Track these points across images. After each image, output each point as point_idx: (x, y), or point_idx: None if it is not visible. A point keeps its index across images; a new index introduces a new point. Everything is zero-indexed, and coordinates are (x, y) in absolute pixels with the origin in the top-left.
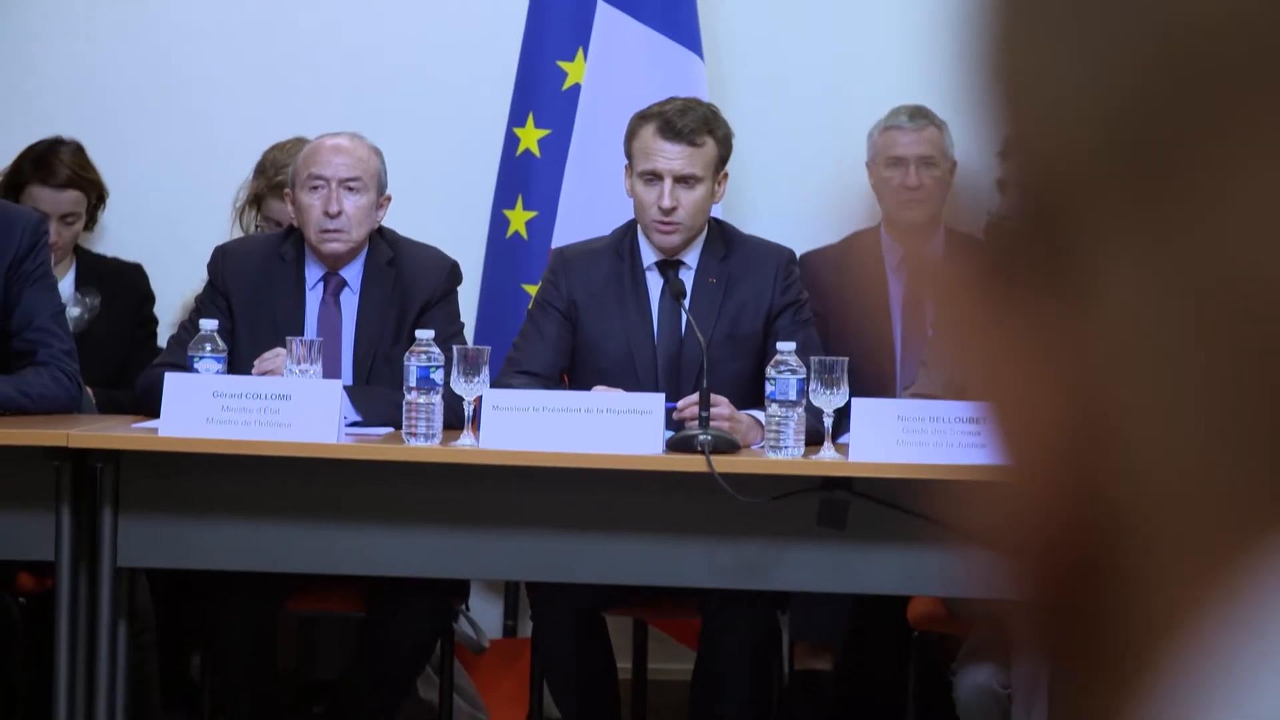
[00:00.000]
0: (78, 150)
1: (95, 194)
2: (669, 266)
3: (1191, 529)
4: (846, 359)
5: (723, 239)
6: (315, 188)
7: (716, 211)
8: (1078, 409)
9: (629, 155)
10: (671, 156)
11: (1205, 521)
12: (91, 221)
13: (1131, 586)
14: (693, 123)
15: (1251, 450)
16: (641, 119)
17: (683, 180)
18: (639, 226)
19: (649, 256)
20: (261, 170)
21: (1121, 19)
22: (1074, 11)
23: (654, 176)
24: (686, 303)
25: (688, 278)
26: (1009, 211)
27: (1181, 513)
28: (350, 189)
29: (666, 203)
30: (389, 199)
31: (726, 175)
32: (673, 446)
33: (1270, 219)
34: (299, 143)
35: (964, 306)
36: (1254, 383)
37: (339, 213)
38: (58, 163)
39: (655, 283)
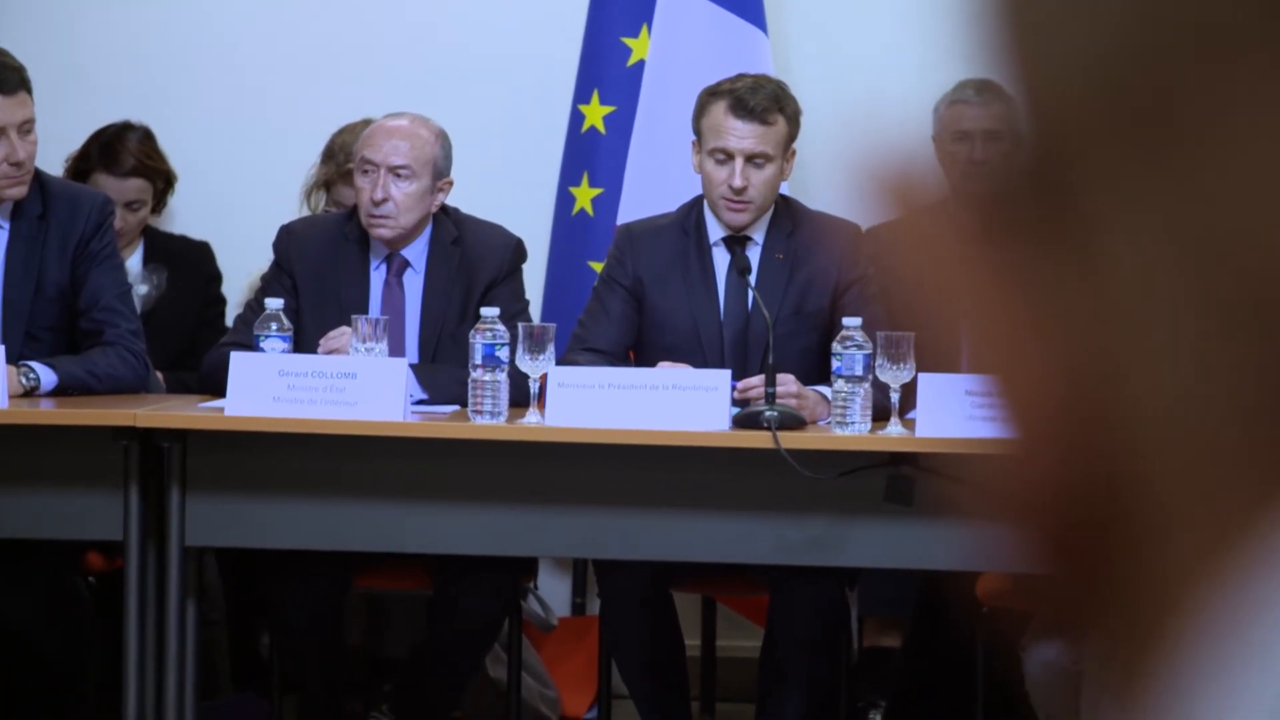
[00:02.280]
0: (145, 136)
1: (162, 180)
2: (735, 242)
3: (1201, 493)
4: (913, 334)
5: (790, 215)
6: (366, 171)
7: (783, 188)
8: (1084, 371)
9: (697, 132)
10: (743, 135)
11: (1215, 484)
12: (160, 206)
13: (1143, 553)
14: (764, 100)
15: (1260, 411)
16: (712, 95)
17: (753, 159)
18: (705, 202)
19: (715, 232)
20: (331, 155)
21: None
22: None
23: (725, 155)
24: (753, 279)
25: (754, 253)
26: (1009, 166)
27: (1190, 476)
28: (399, 176)
29: (738, 182)
30: (449, 184)
31: (794, 152)
32: (739, 423)
33: (1277, 172)
34: (367, 124)
35: (964, 266)
36: (1261, 342)
37: (384, 200)
38: (123, 151)
39: (721, 259)
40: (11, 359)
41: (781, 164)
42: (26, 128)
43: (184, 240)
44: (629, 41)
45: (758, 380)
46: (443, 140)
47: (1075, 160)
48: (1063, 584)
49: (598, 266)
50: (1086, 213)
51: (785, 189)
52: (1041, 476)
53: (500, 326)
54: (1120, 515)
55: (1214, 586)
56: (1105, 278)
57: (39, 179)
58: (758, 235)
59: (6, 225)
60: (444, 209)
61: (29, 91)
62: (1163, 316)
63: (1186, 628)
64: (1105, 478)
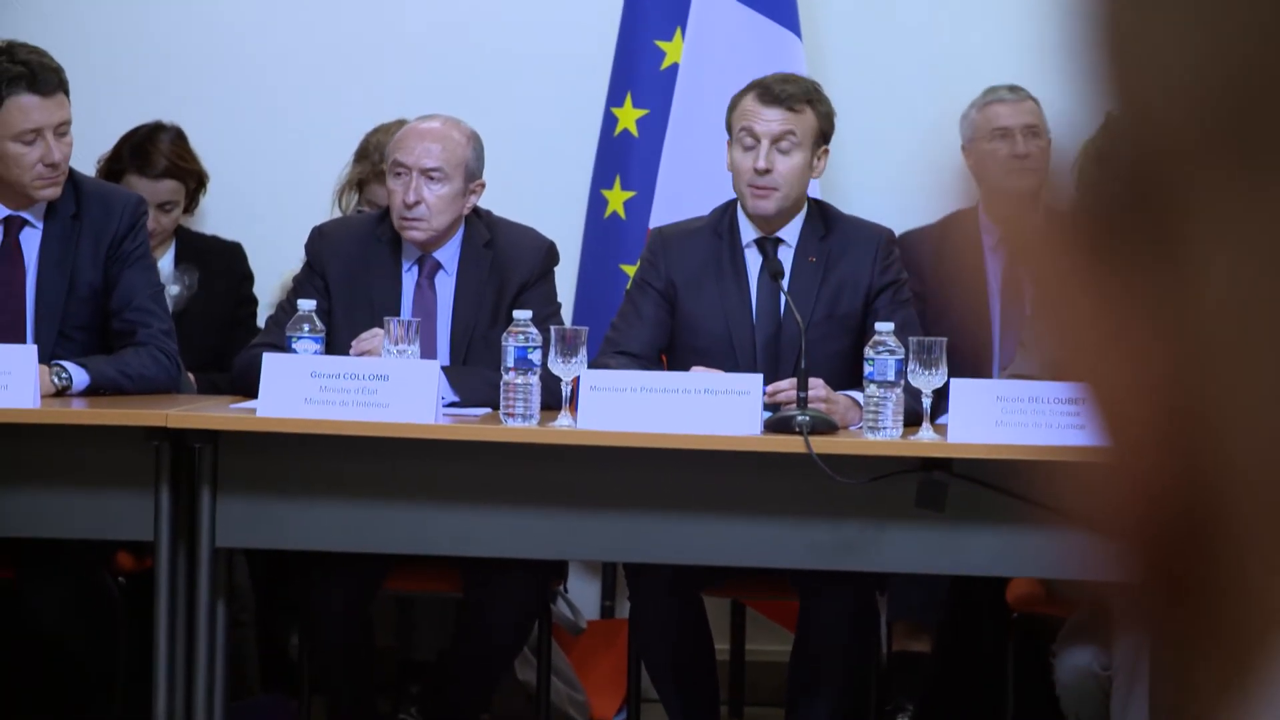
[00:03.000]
0: (177, 137)
1: (194, 181)
2: (767, 244)
3: None
4: (945, 339)
5: (822, 218)
6: (398, 174)
7: (815, 191)
8: (1180, 386)
9: (729, 128)
10: (769, 119)
11: None
12: (192, 206)
13: (1239, 570)
14: (792, 89)
15: None
16: (742, 91)
17: (779, 143)
18: (737, 204)
19: (748, 234)
20: (364, 154)
21: None
22: None
23: (751, 138)
24: (785, 283)
25: (786, 256)
26: (1113, 184)
27: None
28: (431, 178)
29: (761, 163)
30: (481, 185)
31: (827, 151)
32: (770, 427)
33: None
34: (401, 125)
35: (1064, 280)
36: None
37: (417, 202)
38: (155, 152)
39: (754, 260)
40: (44, 358)
41: (811, 158)
42: (63, 129)
43: (216, 241)
44: (662, 44)
45: (786, 384)
46: (475, 142)
47: (1179, 181)
48: (1148, 594)
49: (630, 269)
50: (1188, 233)
51: (818, 192)
52: (1132, 488)
53: (532, 329)
54: (1211, 532)
55: None
56: (1205, 297)
57: (73, 179)
58: (790, 237)
59: (40, 225)
60: (476, 211)
61: (67, 93)
62: (1260, 338)
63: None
64: (1197, 493)
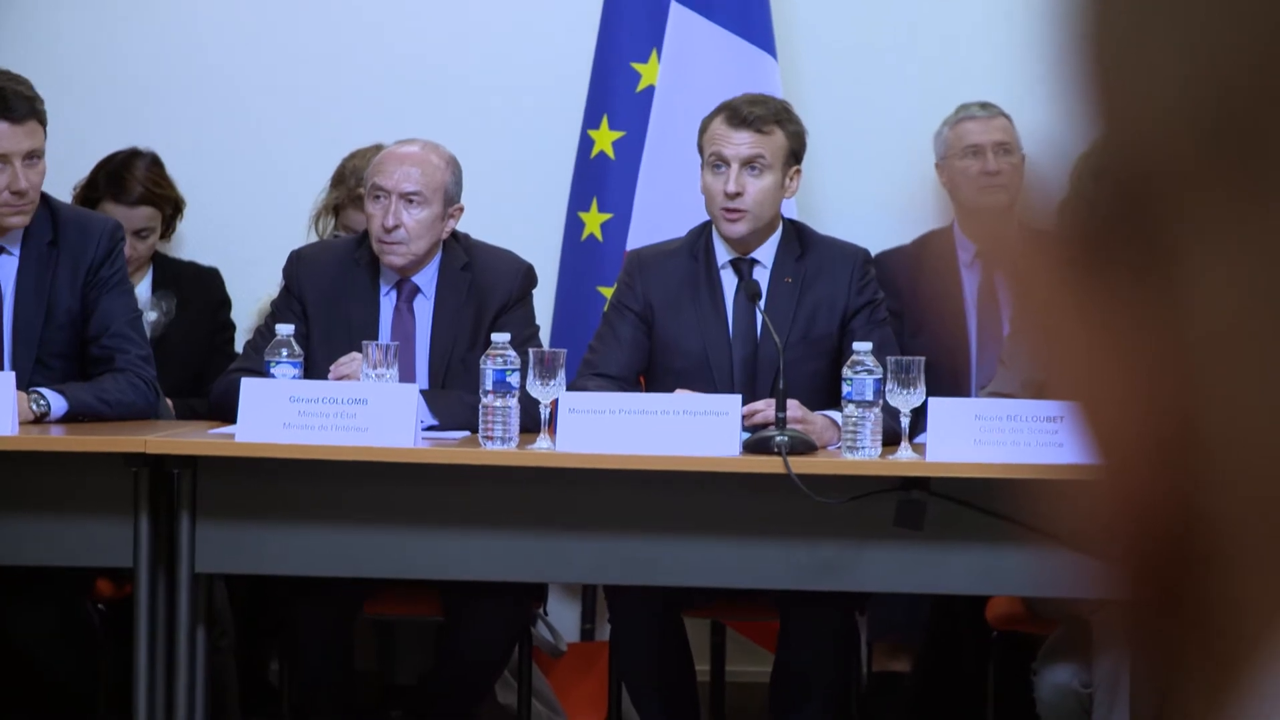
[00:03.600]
0: (153, 163)
1: (170, 207)
2: (743, 265)
3: None
4: (923, 359)
5: (798, 239)
6: (377, 198)
7: (791, 211)
8: (1170, 405)
9: (701, 151)
10: (738, 142)
11: None
12: (168, 232)
13: (1230, 587)
14: (760, 111)
15: None
16: (712, 114)
17: (749, 165)
18: (712, 226)
19: (723, 255)
20: (341, 179)
21: (1224, 8)
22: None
23: (721, 162)
24: (762, 303)
25: (762, 277)
26: (1103, 203)
27: (1274, 513)
28: (411, 202)
29: (731, 187)
30: (460, 210)
31: (799, 172)
32: (749, 448)
33: None
34: (378, 150)
35: (1049, 298)
36: None
37: (396, 226)
38: (131, 179)
39: (730, 282)
40: (22, 385)
41: (782, 179)
42: (33, 157)
43: (193, 266)
44: (638, 67)
45: (763, 404)
46: (453, 166)
47: (1166, 196)
48: (1138, 610)
49: (607, 292)
50: (1179, 252)
51: (794, 213)
52: (1124, 506)
53: (511, 352)
54: (1202, 547)
55: None
56: (1193, 312)
57: (49, 206)
58: (766, 258)
59: (17, 252)
60: (454, 235)
61: (41, 122)
62: (1250, 353)
63: (1271, 663)
64: (1188, 509)
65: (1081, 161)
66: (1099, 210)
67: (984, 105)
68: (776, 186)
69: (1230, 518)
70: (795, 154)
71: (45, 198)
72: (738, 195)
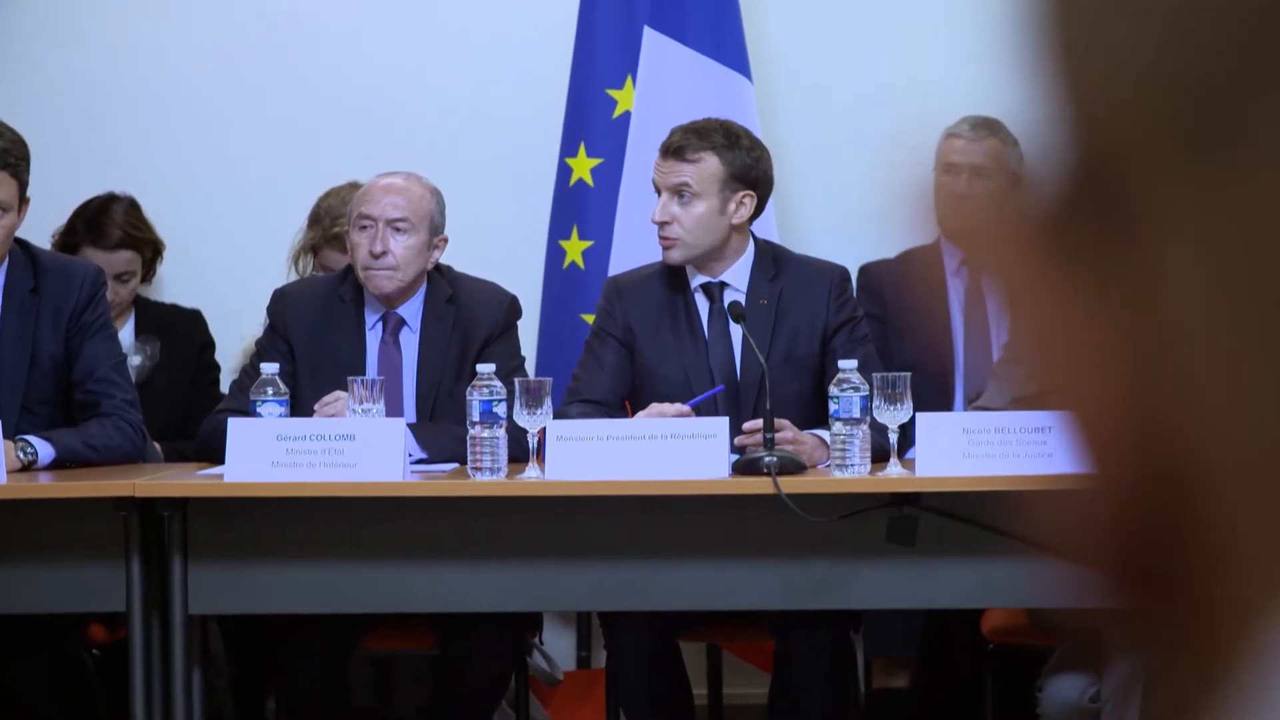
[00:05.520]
0: (130, 207)
1: (150, 250)
2: (714, 288)
3: (1269, 515)
4: (908, 374)
5: (773, 260)
6: (364, 227)
7: (770, 231)
8: (1146, 381)
9: None
10: (665, 171)
11: None
12: (149, 275)
13: (1213, 578)
14: (691, 140)
15: None
16: None
17: (678, 194)
18: None
19: (695, 279)
20: (316, 219)
21: None
22: None
23: (656, 190)
24: (742, 324)
25: (736, 299)
26: (1067, 182)
27: (1261, 484)
28: (398, 229)
29: (657, 215)
30: (444, 240)
31: (751, 195)
32: (739, 470)
33: None
34: (353, 188)
35: (1031, 291)
36: None
37: (383, 253)
38: (110, 223)
39: (704, 305)
40: (8, 433)
41: (719, 204)
42: (2, 208)
43: (175, 309)
44: (614, 93)
45: (756, 424)
46: (437, 197)
47: (1130, 178)
48: (1133, 615)
49: (590, 319)
50: (1143, 227)
51: (773, 233)
52: (1116, 509)
53: (497, 383)
54: (1187, 541)
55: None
56: (1166, 297)
57: (30, 253)
58: (737, 281)
59: None
60: (438, 268)
61: (14, 174)
62: (1225, 335)
63: (1262, 641)
64: (1172, 501)
65: (1048, 140)
66: (1066, 190)
67: (977, 125)
68: (713, 213)
69: (1211, 503)
70: (739, 178)
71: (25, 245)
72: (666, 224)
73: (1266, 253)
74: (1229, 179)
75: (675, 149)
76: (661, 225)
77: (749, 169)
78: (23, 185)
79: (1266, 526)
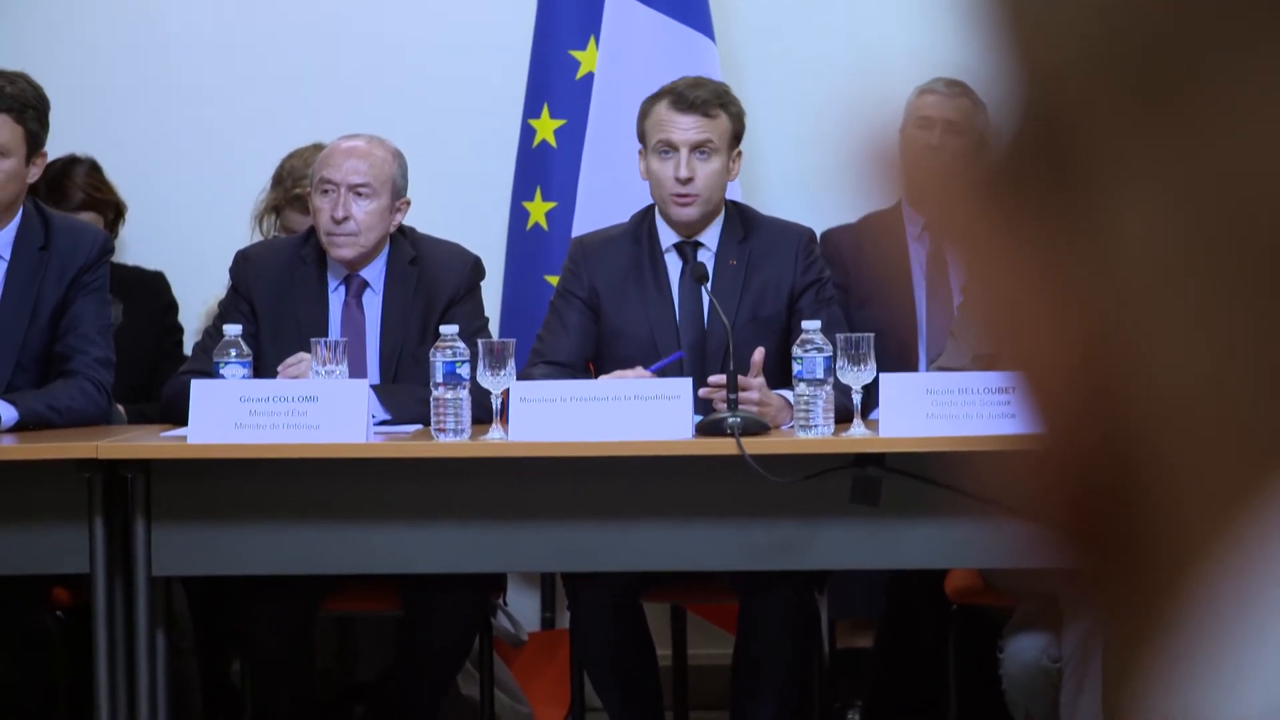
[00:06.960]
0: (91, 169)
1: (112, 212)
2: (688, 248)
3: (1215, 455)
4: (872, 335)
5: (741, 221)
6: (326, 191)
7: (735, 193)
8: (1096, 338)
9: (642, 137)
10: (686, 127)
11: (1229, 446)
12: (111, 237)
13: (1159, 514)
14: (705, 94)
15: (1274, 380)
16: (653, 98)
17: (699, 150)
18: (656, 209)
19: (667, 239)
20: (279, 180)
21: None
22: None
23: (669, 148)
24: (708, 285)
25: (707, 259)
26: (1018, 135)
27: (1204, 438)
28: (359, 194)
29: (683, 172)
30: (407, 203)
31: (740, 154)
32: (702, 430)
33: None
34: (316, 149)
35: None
36: (1273, 309)
37: (345, 218)
38: (71, 185)
39: (675, 265)
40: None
41: (727, 161)
42: None
43: (138, 271)
44: (577, 54)
45: (721, 378)
46: (399, 159)
47: (1077, 130)
48: (1089, 575)
49: (554, 280)
50: (1092, 184)
51: (737, 194)
52: (1065, 468)
53: (460, 344)
54: (1137, 475)
55: (1228, 547)
56: (1115, 251)
57: (41, 213)
58: (710, 240)
59: (7, 256)
60: (401, 229)
61: (15, 118)
62: (1173, 287)
63: (1202, 589)
64: (1125, 463)
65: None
66: (1016, 146)
67: (951, 82)
68: (723, 170)
69: (1157, 461)
70: (737, 136)
71: (38, 205)
72: (689, 180)
73: (1218, 208)
74: (1180, 132)
75: (695, 104)
76: (683, 182)
77: (742, 127)
78: (30, 134)
79: (1210, 483)
